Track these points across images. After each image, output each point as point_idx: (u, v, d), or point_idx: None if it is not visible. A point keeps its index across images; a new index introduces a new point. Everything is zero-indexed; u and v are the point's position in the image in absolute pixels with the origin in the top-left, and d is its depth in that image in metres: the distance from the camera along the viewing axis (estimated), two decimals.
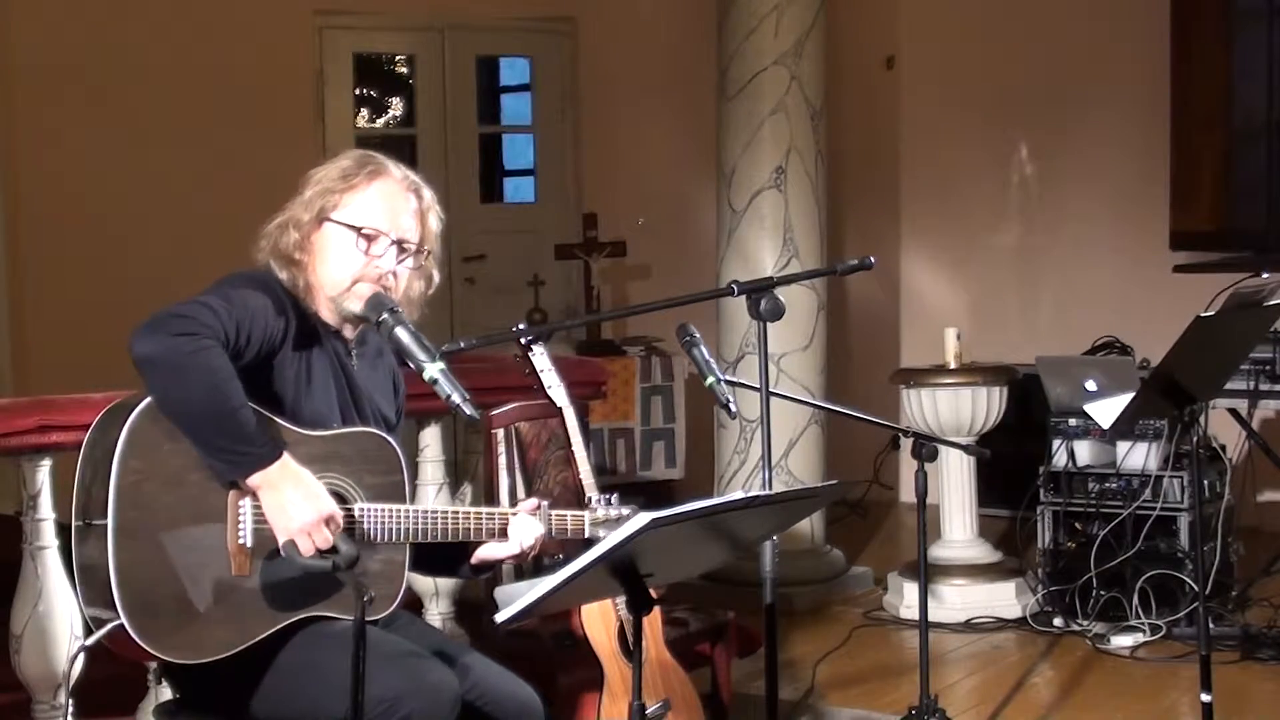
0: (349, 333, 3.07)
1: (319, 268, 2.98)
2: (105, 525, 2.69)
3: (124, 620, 2.70)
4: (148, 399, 2.73)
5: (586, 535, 3.19)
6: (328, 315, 3.03)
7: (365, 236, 2.97)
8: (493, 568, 3.20)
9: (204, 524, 2.77)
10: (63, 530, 3.26)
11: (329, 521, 2.79)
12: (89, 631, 2.83)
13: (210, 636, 2.77)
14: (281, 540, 2.78)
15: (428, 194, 3.07)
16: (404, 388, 3.25)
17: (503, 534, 3.07)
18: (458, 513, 3.02)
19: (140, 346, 2.68)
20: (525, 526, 3.09)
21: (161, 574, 2.73)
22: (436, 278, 3.11)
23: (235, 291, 2.85)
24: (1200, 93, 7.22)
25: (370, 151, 3.09)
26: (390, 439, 3.00)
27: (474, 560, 3.14)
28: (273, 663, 2.86)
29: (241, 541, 2.79)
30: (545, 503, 3.14)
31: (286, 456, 2.78)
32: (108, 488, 2.70)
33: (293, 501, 2.76)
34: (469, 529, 3.02)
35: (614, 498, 3.22)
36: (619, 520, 3.19)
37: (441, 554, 3.09)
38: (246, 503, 2.79)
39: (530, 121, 9.10)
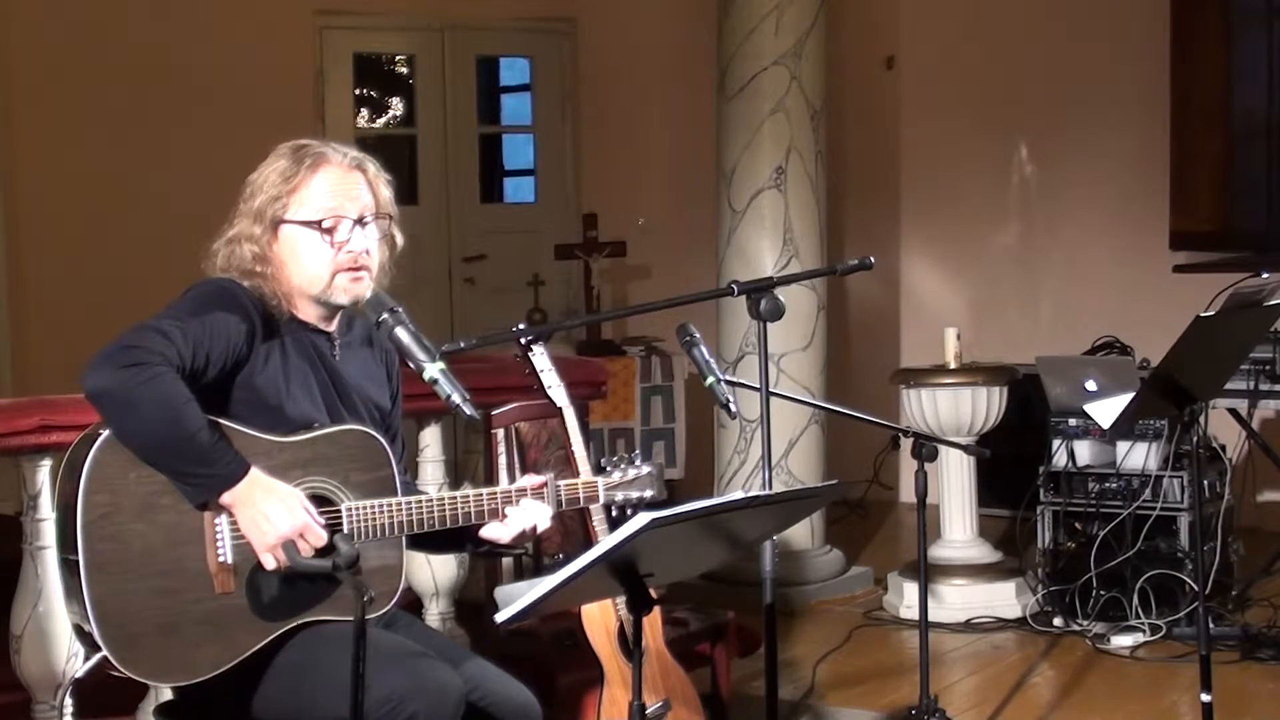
0: (330, 325, 3.04)
1: (293, 272, 2.95)
2: (78, 561, 2.69)
3: (107, 653, 2.70)
4: (108, 431, 2.71)
5: (602, 501, 3.16)
6: (306, 314, 3.00)
7: (327, 230, 2.94)
8: (497, 546, 3.14)
9: (181, 547, 2.75)
10: None
11: (305, 533, 2.77)
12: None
13: (199, 657, 2.76)
14: (261, 555, 2.76)
15: (371, 166, 3.03)
16: (399, 369, 3.18)
17: (504, 512, 3.02)
18: (455, 498, 2.97)
19: (90, 382, 2.67)
20: (527, 514, 3.03)
21: (141, 603, 2.71)
22: (400, 240, 3.06)
23: (193, 309, 2.81)
24: (1200, 93, 7.22)
25: (300, 141, 3.01)
26: (375, 434, 2.97)
27: (479, 538, 3.08)
28: (274, 664, 2.85)
29: (222, 559, 2.77)
30: (551, 475, 3.10)
31: (255, 471, 2.75)
32: (76, 524, 2.69)
33: (266, 515, 2.74)
34: (468, 513, 2.98)
35: (636, 454, 3.19)
36: (636, 481, 3.17)
37: (444, 534, 3.04)
38: (223, 520, 2.77)
39: (530, 121, 9.10)
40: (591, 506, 3.63)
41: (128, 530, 2.71)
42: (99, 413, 2.72)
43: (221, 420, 2.79)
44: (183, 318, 2.78)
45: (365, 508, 2.88)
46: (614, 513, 3.25)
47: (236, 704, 2.87)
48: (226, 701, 2.87)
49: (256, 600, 2.80)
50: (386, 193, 3.04)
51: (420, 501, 2.94)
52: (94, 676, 3.24)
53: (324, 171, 2.96)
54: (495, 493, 3.02)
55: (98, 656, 2.73)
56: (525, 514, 3.04)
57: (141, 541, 2.72)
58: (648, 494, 3.19)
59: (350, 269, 2.95)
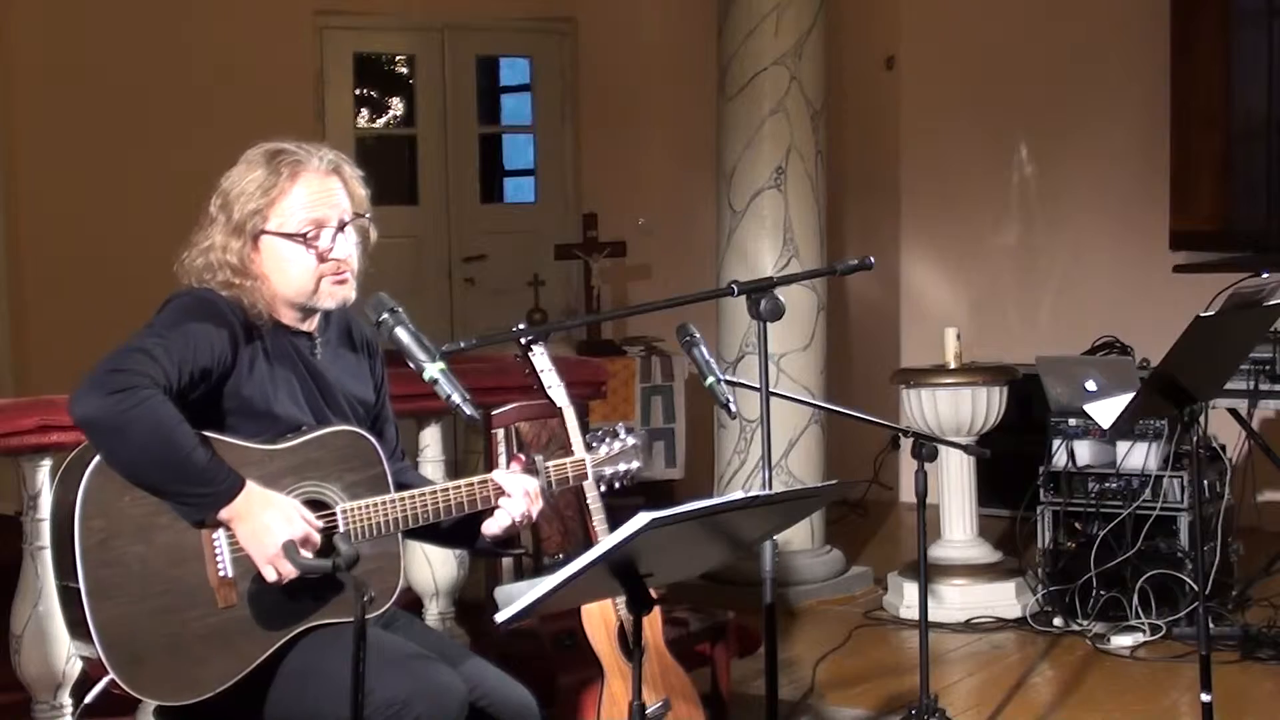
0: (310, 326, 3.03)
1: (277, 283, 2.93)
2: (79, 588, 2.68)
3: (115, 677, 2.70)
4: (99, 456, 2.70)
5: (591, 477, 3.15)
6: (287, 317, 2.98)
7: (310, 241, 2.92)
8: (509, 541, 3.12)
9: (181, 565, 2.74)
10: None
11: (305, 542, 2.77)
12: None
13: (207, 672, 2.76)
14: (263, 567, 2.76)
15: (347, 168, 3.00)
16: (382, 361, 3.17)
17: (499, 494, 3.00)
18: (447, 489, 2.96)
19: (78, 409, 2.65)
20: (512, 502, 3.01)
21: (145, 625, 2.71)
22: (374, 234, 3.04)
23: (174, 325, 2.79)
24: (1200, 93, 7.22)
25: (275, 146, 2.95)
26: (363, 433, 2.96)
27: (485, 535, 3.07)
28: (279, 669, 2.85)
29: (222, 574, 2.77)
30: (539, 456, 3.10)
31: (250, 485, 2.75)
32: (74, 551, 2.68)
33: (266, 528, 2.74)
34: (461, 503, 2.97)
35: (620, 427, 3.18)
36: (622, 453, 3.16)
37: (453, 530, 3.04)
38: (220, 534, 2.77)
39: (530, 121, 9.10)
40: (592, 506, 3.64)
41: (127, 553, 2.71)
42: (89, 440, 2.71)
43: (212, 434, 2.78)
44: (165, 334, 2.77)
45: (360, 507, 2.88)
46: (602, 488, 3.25)
47: (239, 707, 2.86)
48: (229, 705, 2.86)
49: (259, 610, 2.80)
50: (362, 191, 3.02)
51: (413, 496, 2.93)
52: (92, 679, 3.23)
53: (303, 180, 2.93)
54: (487, 479, 3.01)
55: (106, 680, 2.73)
56: (515, 501, 3.01)
57: (141, 563, 2.72)
58: (635, 465, 3.19)
59: (334, 274, 2.94)
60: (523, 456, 3.12)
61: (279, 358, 2.95)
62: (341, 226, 2.95)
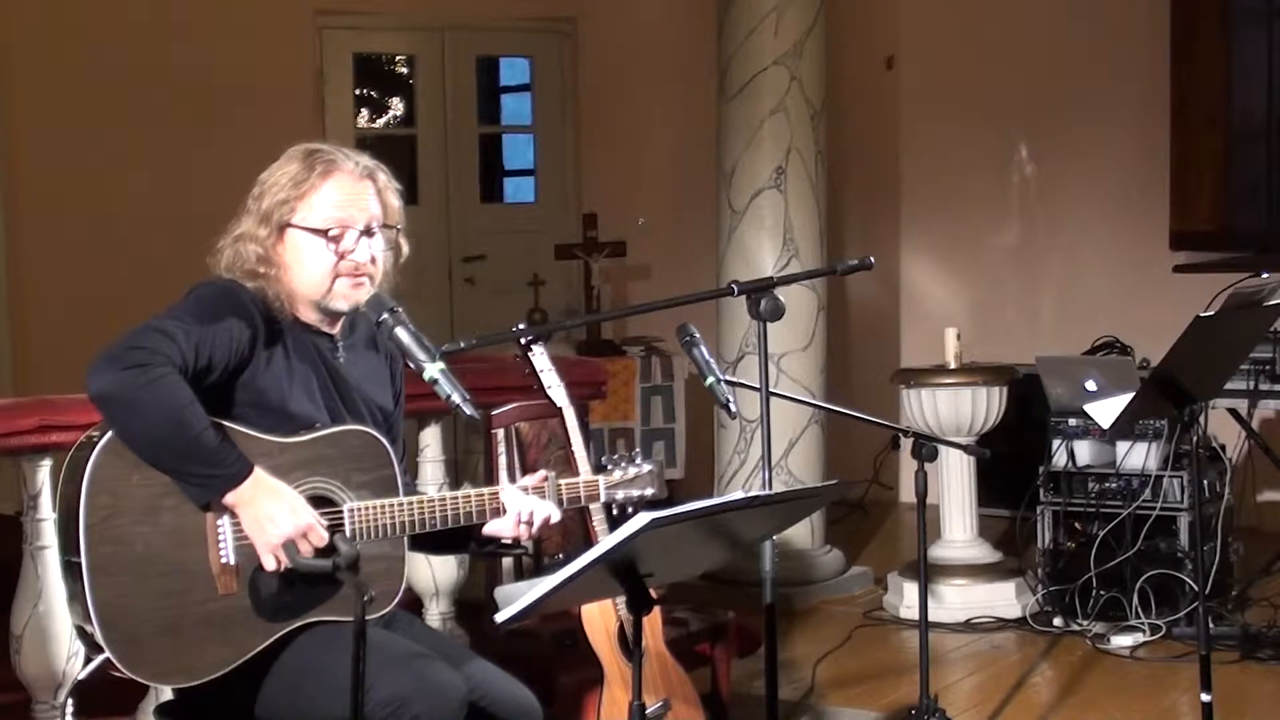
0: (333, 328, 3.04)
1: (295, 276, 2.95)
2: (80, 563, 2.69)
3: (111, 655, 2.71)
4: (109, 434, 2.72)
5: (603, 499, 3.16)
6: (309, 316, 3.00)
7: (332, 238, 2.94)
8: (500, 544, 3.14)
9: (184, 549, 2.75)
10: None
11: (308, 534, 2.78)
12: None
13: (203, 658, 2.76)
14: (264, 555, 2.77)
15: (382, 175, 3.03)
16: (402, 374, 3.19)
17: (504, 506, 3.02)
18: (456, 498, 2.97)
19: (93, 384, 2.67)
20: (518, 498, 3.03)
21: (144, 605, 2.72)
22: (406, 248, 3.07)
23: (195, 310, 2.82)
24: (1200, 93, 7.22)
25: (314, 145, 3.00)
26: (377, 434, 2.97)
27: (482, 535, 3.09)
28: (276, 665, 2.85)
29: (224, 560, 2.78)
30: (552, 474, 3.10)
31: (258, 471, 2.76)
32: (78, 526, 2.69)
33: (270, 516, 2.75)
34: (469, 512, 2.98)
35: (637, 453, 3.19)
36: (637, 479, 3.17)
37: (446, 535, 3.05)
38: (225, 521, 2.78)
39: (530, 121, 9.10)
40: (592, 506, 3.63)
41: (131, 532, 2.72)
42: (102, 414, 2.72)
43: (224, 421, 2.79)
44: (185, 319, 2.79)
45: (367, 508, 2.88)
46: (614, 511, 3.26)
47: (238, 704, 2.87)
48: (228, 701, 2.87)
49: (259, 601, 2.80)
50: (395, 202, 3.05)
51: (422, 501, 2.94)
52: (95, 676, 3.23)
53: (334, 180, 2.96)
54: (496, 491, 3.02)
55: (100, 658, 2.73)
56: (524, 502, 3.03)
57: (144, 544, 2.73)
58: (648, 492, 3.19)
59: (351, 275, 2.96)
60: (539, 475, 3.10)
61: (300, 355, 2.96)
62: (368, 232, 2.96)
